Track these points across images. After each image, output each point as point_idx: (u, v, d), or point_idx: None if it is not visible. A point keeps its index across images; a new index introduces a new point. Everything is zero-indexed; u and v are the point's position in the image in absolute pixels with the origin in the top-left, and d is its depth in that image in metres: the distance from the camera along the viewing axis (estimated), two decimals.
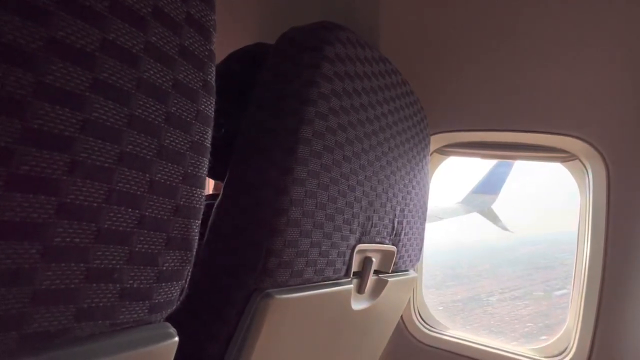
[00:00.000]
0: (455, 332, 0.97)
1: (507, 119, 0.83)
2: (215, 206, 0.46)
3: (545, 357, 0.89)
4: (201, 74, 0.25)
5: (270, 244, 0.41)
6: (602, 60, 0.71)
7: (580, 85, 0.75)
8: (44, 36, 0.17)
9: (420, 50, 0.81)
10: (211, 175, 0.57)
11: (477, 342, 0.93)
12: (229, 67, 0.58)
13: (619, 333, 0.77)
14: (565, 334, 0.88)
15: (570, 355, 0.83)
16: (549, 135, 0.81)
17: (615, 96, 0.73)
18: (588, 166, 0.83)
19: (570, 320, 0.87)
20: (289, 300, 0.45)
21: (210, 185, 0.85)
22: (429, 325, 0.99)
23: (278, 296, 0.43)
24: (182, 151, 0.24)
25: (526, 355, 0.89)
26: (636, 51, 0.69)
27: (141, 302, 0.23)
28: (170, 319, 0.27)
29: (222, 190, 0.47)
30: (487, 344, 0.92)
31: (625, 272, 0.77)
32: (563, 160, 0.87)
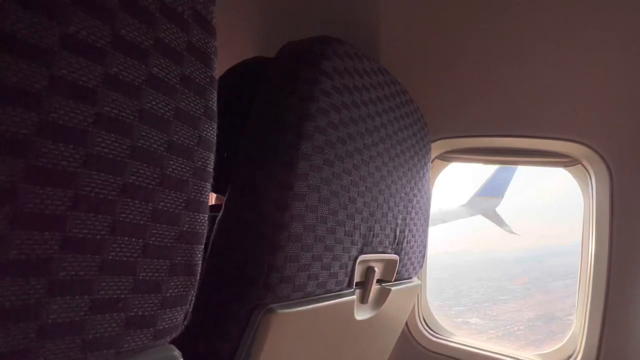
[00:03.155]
0: (461, 338, 0.97)
1: (508, 125, 0.83)
2: (217, 221, 0.46)
3: None
4: (202, 100, 0.25)
5: (272, 259, 0.42)
6: (605, 65, 0.71)
7: (582, 90, 0.75)
8: (47, 75, 0.17)
9: (420, 59, 0.82)
10: (212, 189, 0.57)
11: (482, 348, 0.92)
12: (228, 82, 0.59)
13: (626, 337, 0.77)
14: (572, 338, 0.87)
15: None
16: (550, 141, 0.81)
17: (617, 101, 0.73)
18: (591, 171, 0.82)
19: (576, 324, 0.86)
20: (292, 314, 0.45)
21: (212, 195, 0.86)
22: (434, 331, 0.99)
23: (280, 311, 0.44)
24: (184, 178, 0.24)
25: None
26: (639, 55, 0.68)
27: (146, 329, 0.23)
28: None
29: (223, 204, 0.47)
30: (493, 350, 0.91)
31: (630, 276, 0.76)
32: (565, 165, 0.87)
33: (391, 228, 0.64)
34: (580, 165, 0.85)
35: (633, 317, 0.76)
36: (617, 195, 0.77)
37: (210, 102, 0.26)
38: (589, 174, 0.83)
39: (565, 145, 0.81)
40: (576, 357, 0.84)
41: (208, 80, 0.26)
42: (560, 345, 0.89)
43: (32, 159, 0.17)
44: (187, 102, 0.24)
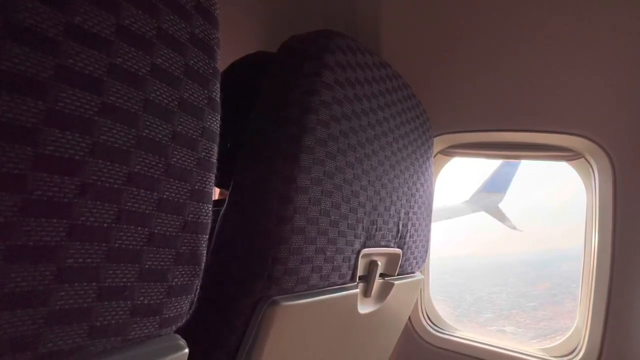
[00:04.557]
0: (464, 333, 0.97)
1: (510, 119, 0.83)
2: (220, 215, 0.47)
3: (555, 357, 0.88)
4: (206, 91, 0.26)
5: (276, 252, 0.42)
6: (606, 58, 0.71)
7: (585, 84, 0.74)
8: (53, 65, 0.18)
9: (423, 53, 0.82)
10: (216, 183, 0.58)
11: (486, 342, 0.93)
12: (231, 77, 0.59)
13: (629, 331, 0.77)
14: (575, 333, 0.87)
15: (581, 355, 0.83)
16: (553, 135, 0.81)
17: (619, 94, 0.73)
18: (594, 164, 0.82)
19: (579, 319, 0.86)
20: (296, 306, 0.45)
21: (215, 190, 0.86)
22: (437, 326, 0.99)
23: (284, 303, 0.44)
24: (189, 168, 0.25)
25: (536, 355, 0.88)
26: None
27: (152, 317, 0.24)
28: (178, 328, 0.28)
29: (227, 198, 0.47)
30: (496, 345, 0.91)
31: (633, 270, 0.76)
32: (568, 159, 0.87)
33: (394, 222, 0.64)
34: (583, 159, 0.85)
35: (636, 311, 0.76)
36: (620, 189, 0.77)
37: (214, 94, 0.26)
38: (592, 167, 0.83)
39: (568, 139, 0.81)
40: (579, 351, 0.84)
41: (211, 71, 0.26)
42: (563, 339, 0.89)
43: (39, 147, 0.17)
44: (190, 92, 0.24)
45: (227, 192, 0.48)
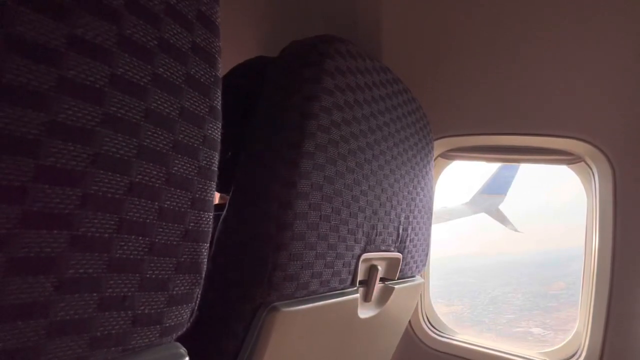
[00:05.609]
0: (465, 337, 0.97)
1: (511, 123, 0.83)
2: (220, 220, 0.47)
3: None
4: (207, 100, 0.26)
5: (276, 258, 0.42)
6: (606, 62, 0.71)
7: (585, 87, 0.74)
8: (55, 76, 0.18)
9: (423, 57, 0.82)
10: (217, 188, 0.58)
11: (486, 346, 0.92)
12: (231, 81, 0.59)
13: (630, 334, 0.77)
14: (576, 336, 0.87)
15: (582, 359, 0.83)
16: (553, 138, 0.81)
17: (619, 98, 0.73)
18: (594, 168, 0.82)
19: (580, 322, 0.86)
20: (296, 312, 0.45)
21: (215, 195, 0.86)
22: (437, 330, 0.99)
23: (284, 309, 0.44)
24: (189, 177, 0.25)
25: (537, 359, 0.88)
26: None
27: (152, 326, 0.24)
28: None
29: (227, 203, 0.47)
30: (497, 349, 0.91)
31: (634, 273, 0.76)
32: (568, 162, 0.87)
33: (394, 226, 0.64)
34: (583, 162, 0.85)
35: (637, 314, 0.76)
36: (620, 193, 0.77)
37: (215, 102, 0.26)
38: (592, 171, 0.83)
39: (568, 142, 0.81)
40: (580, 355, 0.84)
41: (212, 79, 0.26)
42: (564, 343, 0.89)
43: (41, 158, 0.17)
44: (192, 101, 0.24)
45: (228, 197, 0.48)
